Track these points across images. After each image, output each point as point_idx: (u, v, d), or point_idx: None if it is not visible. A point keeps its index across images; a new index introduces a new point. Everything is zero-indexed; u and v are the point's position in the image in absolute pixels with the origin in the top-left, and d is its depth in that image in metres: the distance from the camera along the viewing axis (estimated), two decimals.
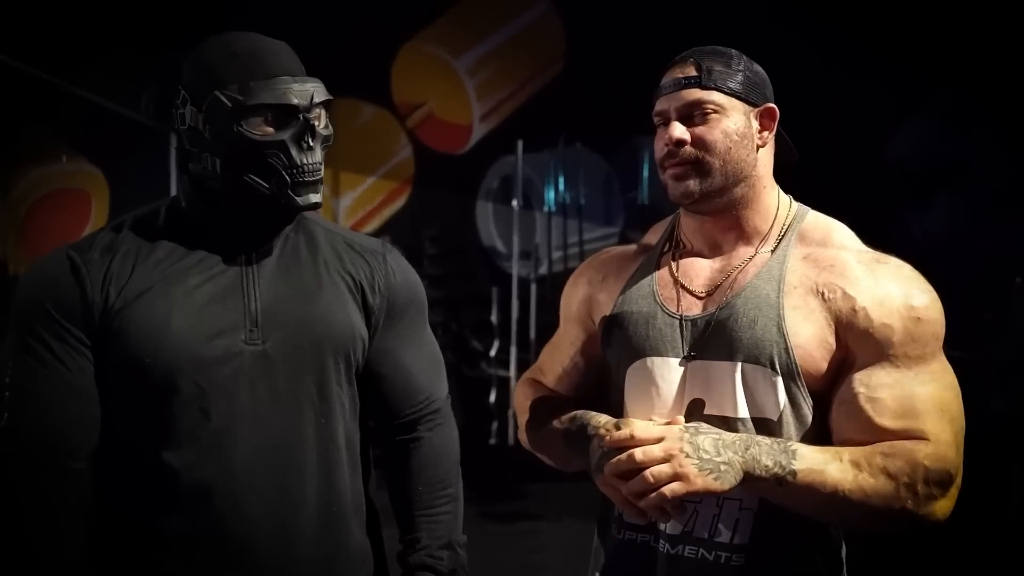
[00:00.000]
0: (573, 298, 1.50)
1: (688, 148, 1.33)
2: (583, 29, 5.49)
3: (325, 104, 1.31)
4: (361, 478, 1.39)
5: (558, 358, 1.51)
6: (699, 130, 1.33)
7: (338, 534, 1.34)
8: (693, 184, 1.33)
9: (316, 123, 1.29)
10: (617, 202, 5.73)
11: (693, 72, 1.34)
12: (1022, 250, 5.03)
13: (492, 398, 5.16)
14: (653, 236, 1.49)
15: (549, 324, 6.41)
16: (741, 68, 1.36)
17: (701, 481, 1.22)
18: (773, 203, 1.39)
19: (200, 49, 1.31)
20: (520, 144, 5.18)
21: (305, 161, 1.28)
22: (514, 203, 5.28)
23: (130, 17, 4.84)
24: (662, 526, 1.33)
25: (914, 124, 5.31)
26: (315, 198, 1.30)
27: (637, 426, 1.26)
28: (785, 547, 1.31)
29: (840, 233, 1.37)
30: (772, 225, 1.37)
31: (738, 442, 1.25)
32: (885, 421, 1.26)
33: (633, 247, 1.50)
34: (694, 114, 1.33)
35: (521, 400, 1.54)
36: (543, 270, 5.48)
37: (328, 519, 1.33)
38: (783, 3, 4.99)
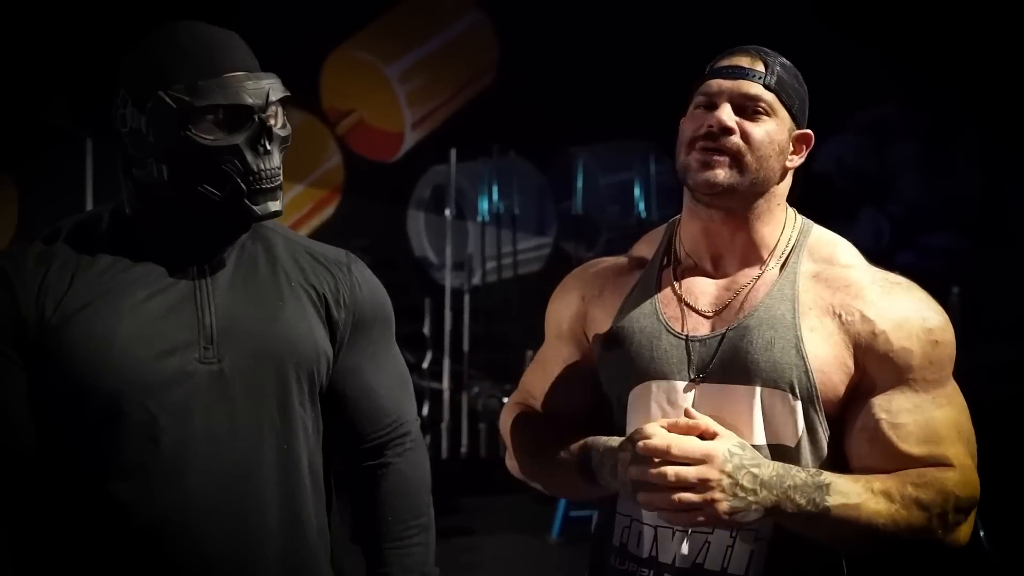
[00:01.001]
0: (564, 314, 1.42)
1: (733, 138, 1.27)
2: (516, 37, 5.47)
3: (282, 101, 1.21)
4: (325, 507, 1.30)
5: (548, 379, 1.41)
6: (748, 124, 1.28)
7: (303, 568, 1.25)
8: (724, 174, 1.27)
9: (273, 124, 1.19)
10: (551, 212, 5.73)
11: (760, 67, 1.29)
12: (950, 263, 5.17)
13: (425, 411, 5.08)
14: (646, 248, 1.41)
15: (482, 335, 6.36)
16: (799, 84, 1.33)
17: (728, 518, 1.18)
18: (782, 220, 1.34)
19: (142, 43, 1.20)
20: (453, 153, 5.13)
21: (262, 167, 1.18)
22: (447, 213, 5.23)
23: (42, 17, 4.65)
24: (668, 558, 1.27)
25: (839, 140, 5.43)
26: (274, 206, 1.21)
27: (675, 440, 1.19)
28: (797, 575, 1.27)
29: (845, 250, 1.34)
30: (779, 241, 1.33)
31: (775, 479, 1.20)
32: (909, 447, 1.24)
33: (624, 259, 1.42)
34: (747, 106, 1.28)
35: (508, 426, 1.44)
36: (476, 280, 5.44)
37: (292, 552, 1.23)
38: (710, 20, 5.05)
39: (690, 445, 1.18)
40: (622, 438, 1.26)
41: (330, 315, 1.29)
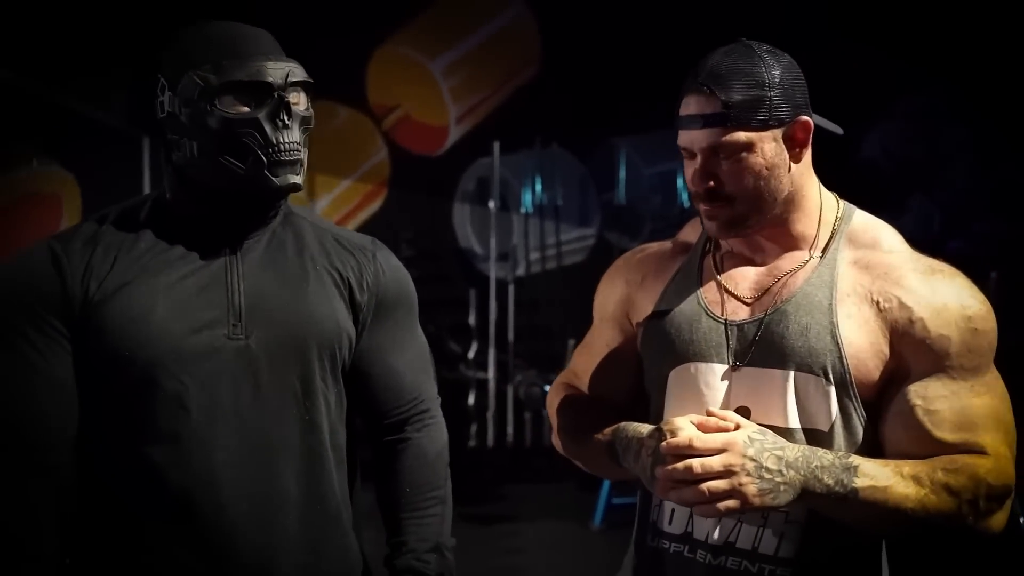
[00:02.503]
0: (610, 298, 1.46)
1: (715, 192, 1.27)
2: (558, 30, 5.48)
3: (304, 86, 1.28)
4: (347, 478, 1.37)
5: (593, 361, 1.46)
6: (726, 172, 1.27)
7: (325, 535, 1.32)
8: (725, 221, 1.29)
9: (293, 103, 1.26)
10: (594, 203, 5.73)
11: (712, 108, 1.25)
12: (994, 248, 5.09)
13: (471, 400, 5.15)
14: (691, 233, 1.43)
15: (527, 325, 6.42)
16: (764, 83, 1.26)
17: (759, 501, 1.18)
18: (816, 206, 1.33)
19: (176, 36, 1.29)
20: (497, 146, 5.17)
21: (281, 140, 1.24)
22: (491, 205, 5.27)
23: (102, 19, 4.79)
24: (702, 535, 1.30)
25: (885, 126, 5.36)
26: (294, 179, 1.27)
27: (696, 434, 1.20)
28: (833, 563, 1.28)
29: (888, 235, 1.33)
30: (819, 228, 1.32)
31: (800, 459, 1.20)
32: (943, 434, 1.24)
33: (669, 245, 1.45)
34: (720, 154, 1.26)
35: (554, 405, 1.49)
36: (520, 271, 5.48)
37: (313, 519, 1.31)
38: (757, 7, 5.01)
39: (710, 437, 1.19)
40: (650, 426, 1.29)
41: (353, 297, 1.35)
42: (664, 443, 1.21)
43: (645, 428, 1.29)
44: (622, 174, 5.51)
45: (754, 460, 1.18)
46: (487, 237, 5.35)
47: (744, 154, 1.26)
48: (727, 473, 1.18)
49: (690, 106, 1.28)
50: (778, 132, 1.27)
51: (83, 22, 4.75)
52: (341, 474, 1.35)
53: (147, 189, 5.09)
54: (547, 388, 4.89)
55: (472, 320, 5.32)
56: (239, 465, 1.26)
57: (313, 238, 1.36)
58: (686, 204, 5.42)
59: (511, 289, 5.32)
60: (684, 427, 1.22)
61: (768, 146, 1.27)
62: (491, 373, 5.19)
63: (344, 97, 5.40)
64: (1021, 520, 3.70)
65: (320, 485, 1.31)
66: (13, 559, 1.21)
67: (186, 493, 1.24)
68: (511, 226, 5.51)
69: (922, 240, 1.34)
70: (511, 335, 5.23)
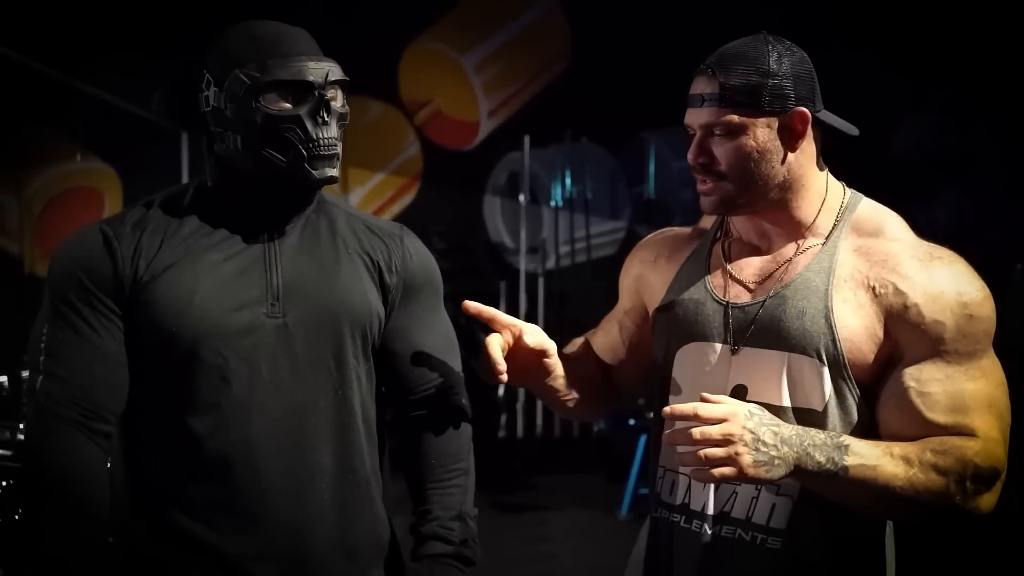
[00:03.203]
0: (628, 274, 1.55)
1: (706, 167, 1.34)
2: (588, 25, 5.51)
3: (341, 84, 1.35)
4: (376, 450, 1.44)
5: (607, 326, 1.56)
6: (718, 150, 1.33)
7: (355, 503, 1.39)
8: (716, 199, 1.35)
9: (332, 100, 1.33)
10: (624, 197, 5.76)
11: (711, 89, 1.31)
12: (1022, 240, 5.06)
13: (500, 391, 5.21)
14: (708, 220, 1.51)
15: (556, 318, 6.46)
16: (767, 72, 1.31)
17: (752, 471, 1.23)
18: (819, 195, 1.37)
19: (222, 34, 1.36)
20: (527, 140, 5.22)
21: (321, 135, 1.32)
22: (521, 198, 5.32)
23: (142, 15, 4.90)
24: (698, 506, 1.37)
25: (917, 119, 5.33)
26: (331, 172, 1.34)
27: (702, 404, 1.26)
28: (823, 536, 1.33)
29: (892, 223, 1.36)
30: (819, 215, 1.37)
31: (795, 437, 1.25)
32: (935, 416, 1.27)
33: (688, 230, 1.52)
34: (711, 131, 1.33)
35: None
36: (550, 264, 5.53)
37: (344, 488, 1.38)
38: (790, 2, 5.01)
39: (713, 407, 1.25)
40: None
41: (383, 280, 1.42)
42: (668, 409, 1.27)
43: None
44: (652, 168, 5.53)
45: (752, 432, 1.23)
46: (517, 230, 5.40)
47: (737, 135, 1.32)
48: (725, 442, 1.22)
49: (694, 84, 1.35)
50: (774, 120, 1.32)
51: (126, 20, 4.86)
52: (371, 446, 1.42)
53: (185, 181, 5.19)
54: None
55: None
56: (275, 435, 1.34)
57: (345, 224, 1.43)
58: None
59: (541, 282, 5.38)
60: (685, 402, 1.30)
61: (761, 131, 1.32)
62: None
63: (377, 92, 5.48)
64: None
65: (351, 456, 1.39)
66: (73, 518, 1.28)
67: (225, 460, 1.32)
68: (541, 219, 5.56)
69: (956, 232, 1.36)
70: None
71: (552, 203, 5.53)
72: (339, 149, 1.35)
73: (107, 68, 4.79)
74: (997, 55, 5.11)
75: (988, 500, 1.29)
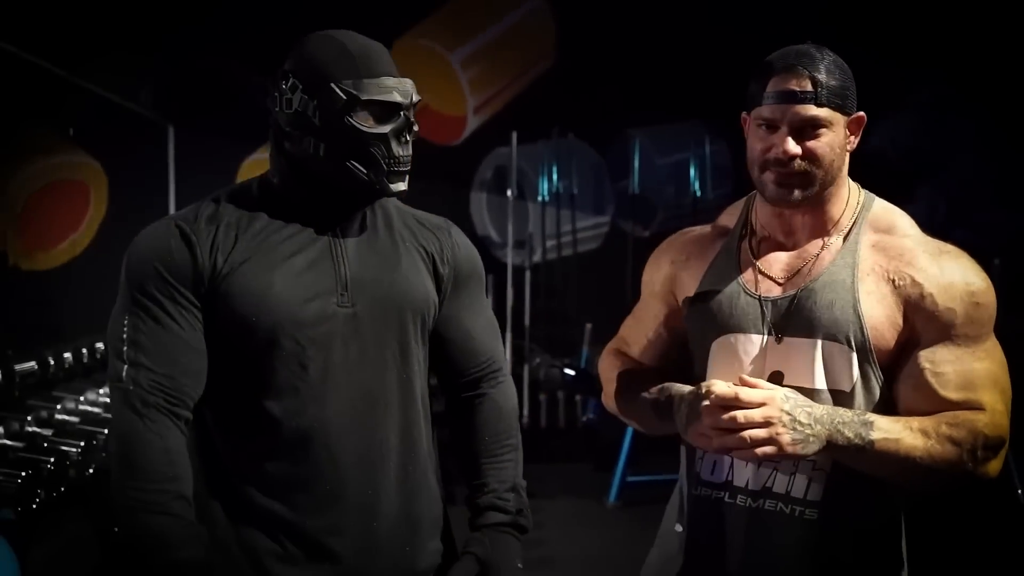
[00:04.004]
0: (656, 276, 1.64)
1: (799, 162, 1.43)
2: (574, 23, 5.59)
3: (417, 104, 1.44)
4: (431, 430, 1.53)
5: (642, 331, 1.66)
6: (811, 144, 1.42)
7: (416, 476, 1.48)
8: (798, 192, 1.45)
9: (414, 124, 1.42)
10: (608, 192, 5.84)
11: (809, 87, 1.41)
12: (997, 237, 5.21)
13: None
14: (728, 219, 1.61)
15: (543, 311, 6.51)
16: (843, 78, 1.43)
17: (791, 449, 1.36)
18: (846, 194, 1.50)
19: (311, 42, 1.42)
20: (514, 135, 5.28)
21: (401, 153, 1.41)
22: (508, 193, 5.40)
23: (130, 9, 4.90)
24: (741, 482, 1.48)
25: (894, 119, 5.46)
26: (403, 186, 1.43)
27: (741, 388, 1.38)
28: (853, 504, 1.46)
29: (903, 221, 1.50)
30: (844, 213, 1.49)
31: (825, 416, 1.38)
32: (948, 393, 1.42)
33: (709, 229, 1.63)
34: (806, 128, 1.42)
35: (607, 370, 1.68)
36: (537, 258, 5.60)
37: (407, 465, 1.46)
38: (765, 2, 5.11)
39: (753, 392, 1.37)
40: (692, 387, 1.46)
41: (436, 270, 1.51)
42: (713, 395, 1.38)
43: (686, 388, 1.48)
44: (636, 164, 5.62)
45: (789, 414, 1.36)
46: (504, 225, 5.47)
47: (825, 131, 1.43)
48: (766, 424, 1.35)
49: (782, 83, 1.42)
50: (846, 119, 1.45)
51: (114, 11, 4.85)
52: (427, 426, 1.51)
53: (173, 178, 5.19)
54: (567, 370, 5.04)
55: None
56: (348, 416, 1.42)
57: (399, 219, 1.52)
58: (698, 193, 5.55)
59: (527, 275, 5.45)
60: (722, 386, 1.40)
61: (840, 128, 1.44)
62: (508, 357, 5.32)
63: None
64: (1020, 492, 3.85)
65: (413, 435, 1.47)
66: (166, 497, 1.34)
67: (303, 440, 1.40)
68: (527, 214, 5.62)
69: (928, 229, 1.51)
70: (527, 320, 5.36)
71: (538, 198, 5.60)
72: (410, 165, 1.43)
73: (94, 60, 4.79)
74: (972, 57, 5.24)
75: (995, 466, 1.44)
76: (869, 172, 1.56)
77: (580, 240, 5.73)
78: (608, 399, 1.68)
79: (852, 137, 1.47)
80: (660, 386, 1.54)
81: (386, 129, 1.39)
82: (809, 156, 1.43)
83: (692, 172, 5.56)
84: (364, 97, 1.37)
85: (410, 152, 1.43)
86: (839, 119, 1.43)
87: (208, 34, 5.07)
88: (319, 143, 1.40)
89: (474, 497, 1.52)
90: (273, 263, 1.40)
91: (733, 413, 1.36)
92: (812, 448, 1.37)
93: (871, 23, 5.00)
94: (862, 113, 1.47)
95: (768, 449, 1.36)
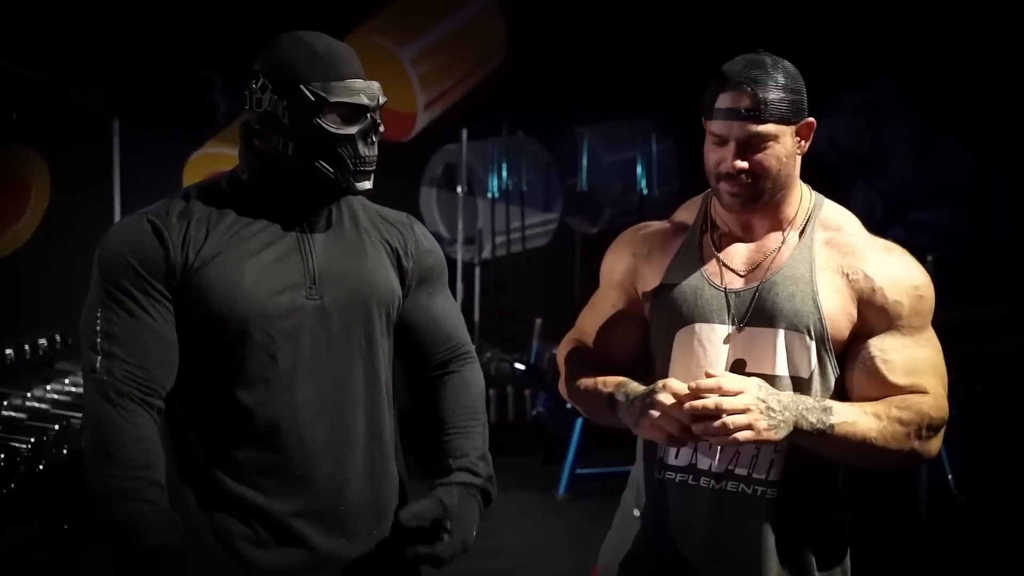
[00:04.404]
0: (617, 267, 1.70)
1: (746, 175, 1.51)
2: (523, 22, 5.64)
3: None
4: (395, 418, 1.57)
5: (599, 320, 1.72)
6: (757, 158, 1.50)
7: (382, 462, 1.53)
8: (748, 200, 1.54)
9: (380, 124, 1.46)
10: (557, 189, 5.90)
11: (753, 104, 1.49)
12: (930, 235, 5.41)
13: None
14: (687, 214, 1.69)
15: (492, 306, 6.56)
16: (788, 87, 1.50)
17: (766, 434, 1.44)
18: (799, 195, 1.60)
19: (281, 43, 1.45)
20: (464, 133, 5.31)
21: (367, 153, 1.46)
22: (459, 190, 5.43)
23: (76, 1, 4.82)
24: (705, 465, 1.56)
25: (832, 120, 5.63)
26: (368, 185, 1.48)
27: (725, 377, 1.45)
28: (807, 483, 1.56)
29: (850, 221, 1.61)
30: (797, 213, 1.58)
31: (791, 403, 1.47)
32: (896, 378, 1.53)
33: (668, 224, 1.70)
34: (752, 142, 1.50)
35: (564, 359, 1.74)
36: (486, 254, 5.64)
37: (373, 448, 1.51)
38: (710, 4, 5.21)
39: (734, 379, 1.45)
40: (648, 387, 1.52)
41: (400, 264, 1.56)
42: (695, 384, 1.45)
43: (642, 388, 1.54)
44: (584, 162, 5.69)
45: (764, 401, 1.45)
46: (454, 221, 5.50)
47: (772, 143, 1.51)
48: (745, 410, 1.43)
49: (729, 101, 1.51)
50: (793, 128, 1.53)
51: (60, 4, 4.78)
52: (391, 414, 1.56)
53: (117, 171, 5.12)
54: (517, 365, 5.09)
55: None
56: (317, 404, 1.46)
57: (363, 215, 1.56)
58: (644, 191, 5.64)
59: (477, 271, 5.49)
60: (679, 386, 1.46)
61: (788, 140, 1.52)
62: None
63: None
64: (949, 477, 4.02)
65: (379, 423, 1.52)
66: (140, 483, 1.36)
67: (273, 428, 1.44)
68: (477, 211, 5.66)
69: (865, 227, 1.61)
70: (477, 316, 5.40)
71: (488, 195, 5.64)
72: (375, 165, 1.47)
73: (38, 51, 4.71)
74: (910, 59, 5.41)
75: (936, 444, 1.55)
76: (809, 172, 1.65)
77: (529, 237, 5.78)
78: (562, 385, 1.74)
79: (803, 142, 1.54)
80: (617, 381, 1.60)
81: (353, 130, 1.43)
82: (756, 170, 1.51)
83: (639, 170, 5.65)
84: (332, 99, 1.41)
85: (376, 152, 1.47)
86: (785, 130, 1.51)
87: (155, 27, 5.01)
88: (288, 142, 1.43)
89: (443, 462, 1.54)
90: (243, 257, 1.44)
91: (716, 399, 1.43)
92: (783, 433, 1.46)
93: (810, 26, 5.14)
94: (811, 119, 1.54)
95: (747, 434, 1.43)
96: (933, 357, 1.56)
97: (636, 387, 1.56)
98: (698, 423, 1.44)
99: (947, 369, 1.58)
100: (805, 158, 1.59)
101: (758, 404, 1.43)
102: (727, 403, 1.42)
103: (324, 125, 1.42)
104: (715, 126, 1.52)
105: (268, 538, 1.45)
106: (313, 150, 1.43)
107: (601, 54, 5.43)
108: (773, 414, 1.44)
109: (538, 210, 5.85)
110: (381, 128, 1.47)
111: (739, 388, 1.44)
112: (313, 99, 1.41)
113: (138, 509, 1.35)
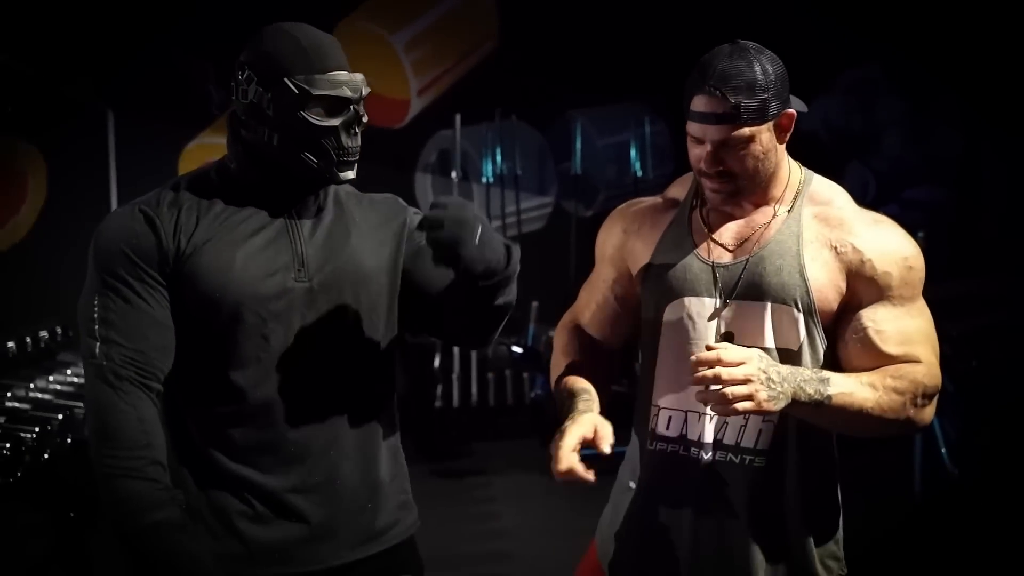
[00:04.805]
0: (608, 242, 1.74)
1: (723, 174, 1.54)
2: (516, 6, 5.63)
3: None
4: (394, 396, 1.62)
5: (593, 296, 1.77)
6: (733, 160, 1.53)
7: (374, 435, 1.57)
8: (728, 194, 1.57)
9: (363, 115, 1.50)
10: (551, 173, 5.92)
11: (723, 109, 1.50)
12: (921, 212, 5.44)
13: (436, 363, 5.34)
14: (678, 190, 1.72)
15: None
16: (763, 85, 1.50)
17: (766, 405, 1.46)
18: (787, 172, 1.62)
19: (267, 35, 1.48)
20: (458, 118, 5.32)
21: (350, 144, 1.49)
22: (453, 175, 5.44)
23: None
24: (695, 436, 1.60)
25: (825, 99, 5.65)
26: (352, 174, 1.51)
27: (725, 348, 1.46)
28: (796, 453, 1.59)
29: (840, 195, 1.63)
30: (785, 191, 1.61)
31: (790, 374, 1.49)
32: (889, 348, 1.55)
33: (659, 200, 1.73)
34: (728, 144, 1.52)
35: (556, 349, 1.78)
36: None
37: (366, 424, 1.56)
38: None
39: (734, 351, 1.47)
40: (570, 423, 1.54)
41: (391, 239, 1.58)
42: (695, 356, 1.47)
43: (568, 424, 1.56)
44: (578, 145, 5.70)
45: (765, 372, 1.47)
46: None
47: (748, 144, 1.53)
48: (746, 381, 1.45)
49: (703, 104, 1.53)
50: (771, 124, 1.55)
51: None
52: (388, 391, 1.60)
53: (113, 164, 5.13)
54: (514, 348, 5.11)
55: None
56: (308, 382, 1.51)
57: (349, 201, 1.60)
58: (639, 173, 5.66)
59: None
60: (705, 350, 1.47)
61: (765, 136, 1.54)
62: None
63: None
64: (943, 451, 4.07)
65: (371, 400, 1.57)
66: (142, 463, 1.41)
67: (266, 407, 1.49)
68: (472, 196, 5.66)
69: (859, 204, 1.65)
70: None
71: (483, 179, 5.65)
72: (358, 155, 1.50)
73: (33, 44, 4.71)
74: (903, 39, 5.43)
75: (929, 412, 1.59)
76: (802, 150, 1.68)
77: (524, 221, 5.80)
78: (552, 380, 1.77)
79: (783, 134, 1.56)
80: (572, 402, 1.61)
81: (336, 122, 1.46)
82: (733, 170, 1.54)
83: (633, 153, 5.66)
84: (316, 92, 1.44)
85: (359, 143, 1.50)
86: (761, 129, 1.52)
87: (148, 18, 5.01)
88: (273, 133, 1.47)
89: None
90: (234, 243, 1.48)
91: (717, 370, 1.44)
92: (781, 404, 1.47)
93: (802, 7, 5.15)
94: (792, 111, 1.55)
95: (748, 404, 1.45)
96: (925, 327, 1.58)
97: (568, 423, 1.56)
98: (701, 393, 1.48)
99: (941, 344, 1.61)
100: (798, 139, 1.61)
101: (759, 375, 1.45)
102: (728, 373, 1.44)
103: (308, 117, 1.45)
104: (691, 128, 1.55)
105: (265, 513, 1.49)
106: (297, 141, 1.47)
107: (593, 37, 5.43)
108: (773, 385, 1.46)
109: (533, 194, 5.86)
110: (365, 119, 1.50)
111: (741, 359, 1.46)
112: (297, 92, 1.44)
113: (139, 487, 1.40)
